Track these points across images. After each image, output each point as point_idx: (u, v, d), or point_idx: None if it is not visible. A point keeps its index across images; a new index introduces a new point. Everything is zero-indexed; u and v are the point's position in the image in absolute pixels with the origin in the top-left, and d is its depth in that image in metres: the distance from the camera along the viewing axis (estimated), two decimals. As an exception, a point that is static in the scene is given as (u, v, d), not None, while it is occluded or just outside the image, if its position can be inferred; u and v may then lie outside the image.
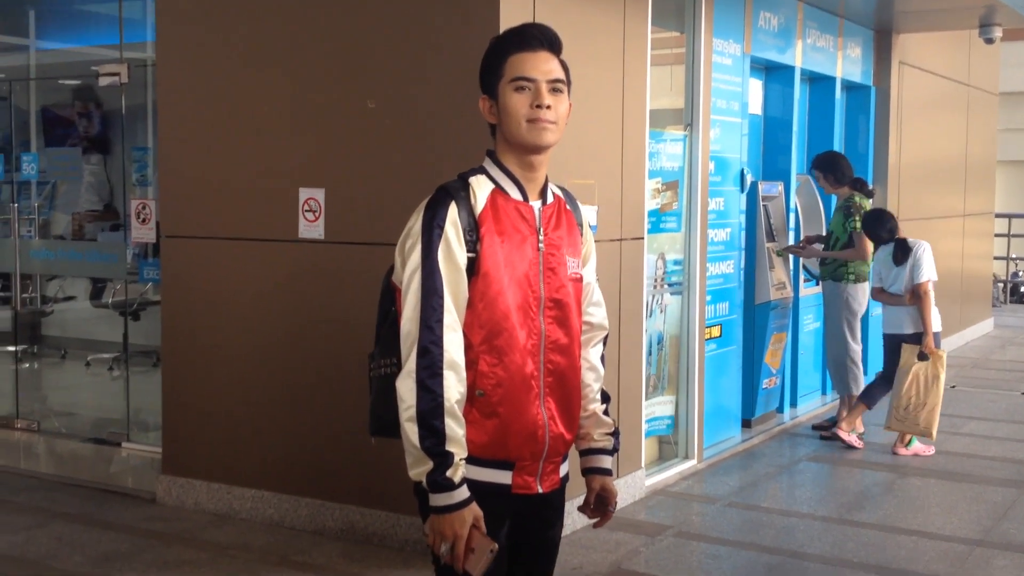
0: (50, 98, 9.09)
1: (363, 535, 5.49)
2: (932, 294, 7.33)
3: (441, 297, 2.61)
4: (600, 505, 2.95)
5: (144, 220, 6.67)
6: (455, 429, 2.58)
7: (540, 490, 2.79)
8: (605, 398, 3.00)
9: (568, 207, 2.88)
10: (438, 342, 2.59)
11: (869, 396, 7.76)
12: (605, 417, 2.97)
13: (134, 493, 6.32)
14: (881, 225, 7.58)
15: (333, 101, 5.53)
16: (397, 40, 5.33)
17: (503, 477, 2.73)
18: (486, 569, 2.58)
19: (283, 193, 5.67)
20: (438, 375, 2.57)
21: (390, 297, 2.80)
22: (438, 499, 2.56)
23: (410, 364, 2.59)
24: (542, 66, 2.69)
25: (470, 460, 2.64)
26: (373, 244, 5.34)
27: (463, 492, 2.57)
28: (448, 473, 2.55)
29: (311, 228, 5.59)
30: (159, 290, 6.39)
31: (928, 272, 7.32)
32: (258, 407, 5.84)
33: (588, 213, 5.44)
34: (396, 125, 5.36)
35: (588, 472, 2.95)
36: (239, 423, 5.91)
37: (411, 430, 2.57)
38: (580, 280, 2.86)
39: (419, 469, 2.58)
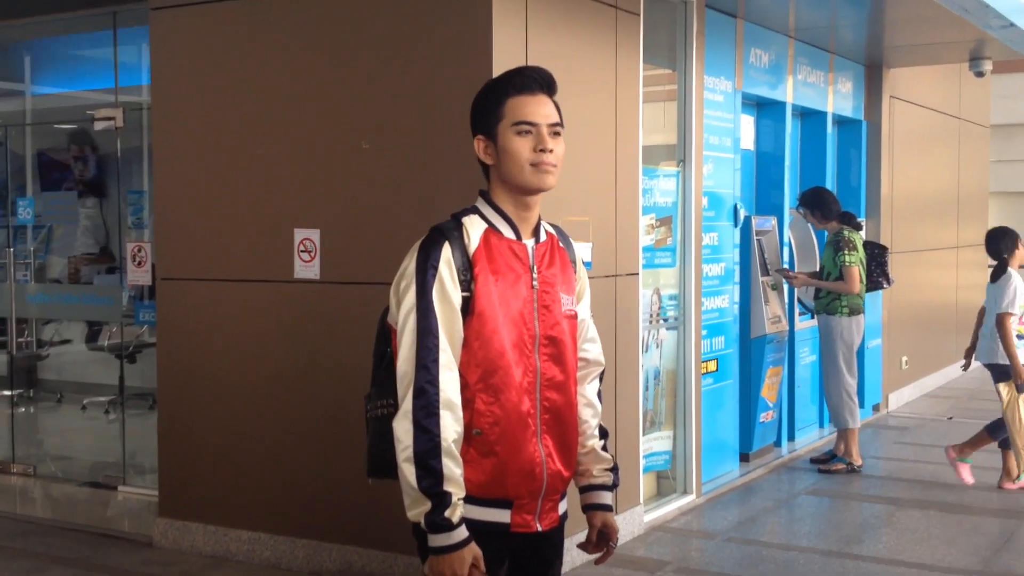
0: (46, 142, 9.11)
1: (361, 576, 5.47)
2: (1009, 326, 7.29)
3: (436, 337, 2.62)
4: (602, 541, 2.95)
5: (140, 263, 6.68)
6: (452, 469, 2.58)
7: (539, 528, 2.79)
8: (603, 434, 3.00)
9: (561, 244, 2.90)
10: (434, 382, 2.59)
11: (997, 430, 7.50)
12: (604, 453, 2.97)
13: (131, 537, 6.29)
14: (998, 242, 7.68)
15: (327, 142, 5.56)
16: (391, 80, 5.37)
17: (501, 516, 2.73)
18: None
19: (278, 234, 5.68)
20: (434, 415, 2.58)
21: (386, 338, 2.81)
22: (437, 539, 2.56)
23: (406, 404, 2.60)
24: (542, 110, 2.73)
25: (468, 499, 2.64)
26: (369, 284, 5.35)
27: (462, 532, 2.57)
28: (446, 513, 2.55)
29: (307, 268, 5.60)
30: (155, 332, 6.39)
31: (1006, 304, 7.32)
32: (254, 449, 5.82)
33: (583, 250, 5.48)
34: (390, 165, 5.38)
35: (589, 508, 2.95)
36: (235, 465, 5.89)
37: (408, 471, 2.57)
38: (575, 317, 2.87)
39: (417, 510, 2.58)
